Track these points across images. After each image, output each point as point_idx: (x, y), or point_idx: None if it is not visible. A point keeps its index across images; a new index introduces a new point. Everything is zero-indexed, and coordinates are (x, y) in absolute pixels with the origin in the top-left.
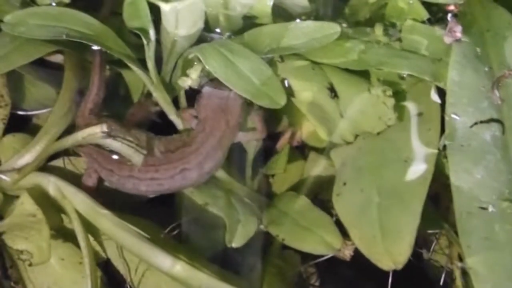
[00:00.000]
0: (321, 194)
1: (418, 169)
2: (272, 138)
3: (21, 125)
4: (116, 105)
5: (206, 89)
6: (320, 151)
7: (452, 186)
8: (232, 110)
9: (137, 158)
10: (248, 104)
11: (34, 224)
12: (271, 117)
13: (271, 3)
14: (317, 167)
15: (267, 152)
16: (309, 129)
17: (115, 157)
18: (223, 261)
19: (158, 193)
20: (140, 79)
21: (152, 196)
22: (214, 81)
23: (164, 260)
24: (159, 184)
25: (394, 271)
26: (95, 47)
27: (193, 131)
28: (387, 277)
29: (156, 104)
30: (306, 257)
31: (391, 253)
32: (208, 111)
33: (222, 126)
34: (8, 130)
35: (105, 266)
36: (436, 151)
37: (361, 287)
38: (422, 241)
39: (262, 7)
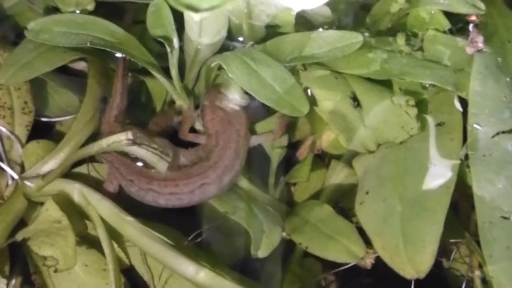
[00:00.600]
0: (342, 202)
1: (441, 178)
2: (292, 146)
3: (44, 131)
4: (138, 113)
5: (207, 105)
6: (340, 159)
7: (474, 195)
8: (239, 119)
9: (161, 165)
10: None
11: (59, 231)
12: (291, 125)
13: (295, 12)
14: (338, 176)
15: (287, 160)
16: (329, 137)
17: (137, 166)
18: (242, 268)
19: (177, 206)
20: (163, 87)
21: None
22: (209, 94)
23: (188, 267)
24: (178, 199)
25: (414, 280)
26: (118, 55)
27: (207, 146)
28: (406, 285)
29: (179, 113)
30: (326, 265)
31: (413, 262)
32: (217, 126)
33: (235, 137)
34: (31, 136)
35: (128, 273)
36: (458, 161)
37: None
38: (442, 250)
39: (286, 16)
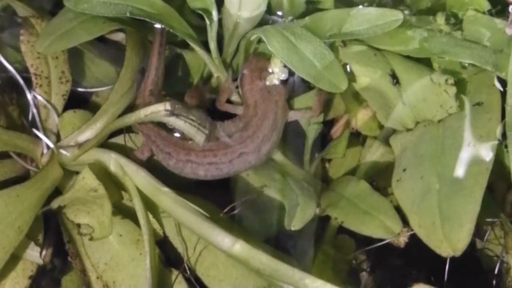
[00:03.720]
0: (376, 180)
1: (479, 158)
2: (326, 124)
3: (80, 102)
4: (174, 85)
5: (246, 74)
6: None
7: None
8: (277, 90)
9: (199, 137)
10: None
11: (95, 199)
12: (327, 102)
13: None
14: (374, 154)
15: (321, 137)
16: (364, 116)
17: (175, 137)
18: (274, 246)
19: (216, 177)
20: (201, 60)
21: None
22: (249, 63)
23: (224, 239)
24: (217, 169)
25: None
26: (157, 26)
27: (245, 117)
28: (436, 267)
29: (212, 91)
30: (358, 243)
31: (450, 240)
32: (255, 96)
33: (273, 107)
34: (67, 106)
35: (162, 244)
36: (496, 141)
37: (410, 275)
38: (476, 230)
39: None
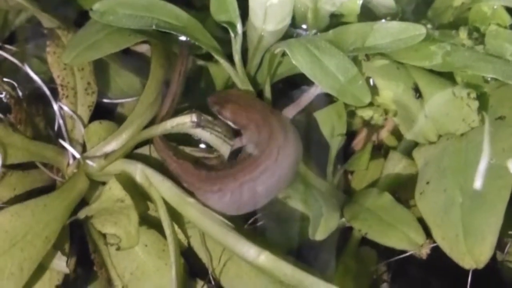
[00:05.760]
0: (398, 193)
1: (501, 171)
2: (347, 135)
3: (105, 113)
4: (198, 98)
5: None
6: (397, 150)
7: None
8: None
9: (224, 148)
10: None
11: (122, 210)
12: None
13: (361, 1)
14: (396, 166)
15: (343, 148)
16: (386, 128)
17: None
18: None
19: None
20: (225, 72)
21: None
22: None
23: (249, 250)
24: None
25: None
26: (182, 38)
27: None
28: (457, 279)
29: None
30: (380, 255)
31: (473, 253)
32: (246, 120)
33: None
34: (93, 117)
35: (186, 254)
36: None
37: (431, 286)
38: (497, 242)
39: (352, 5)
